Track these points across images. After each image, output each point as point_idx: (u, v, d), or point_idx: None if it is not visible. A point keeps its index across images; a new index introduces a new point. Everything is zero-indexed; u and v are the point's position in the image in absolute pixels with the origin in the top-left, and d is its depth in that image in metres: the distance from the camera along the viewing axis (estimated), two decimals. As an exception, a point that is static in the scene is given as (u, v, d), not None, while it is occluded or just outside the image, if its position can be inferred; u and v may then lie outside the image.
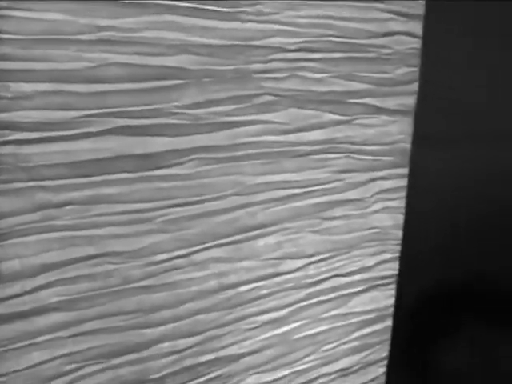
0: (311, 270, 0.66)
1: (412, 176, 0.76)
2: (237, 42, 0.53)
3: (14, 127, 0.45)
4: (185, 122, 0.52)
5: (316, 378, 0.71)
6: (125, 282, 0.52)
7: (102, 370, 0.53)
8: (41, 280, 0.49)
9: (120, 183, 0.50)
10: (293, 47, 0.58)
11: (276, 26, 0.56)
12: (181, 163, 0.53)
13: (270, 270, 0.62)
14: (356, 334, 0.74)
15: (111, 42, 0.48)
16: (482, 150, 0.85)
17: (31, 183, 0.47)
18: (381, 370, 0.79)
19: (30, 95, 0.45)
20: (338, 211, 0.67)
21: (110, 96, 0.48)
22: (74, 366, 0.52)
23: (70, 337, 0.51)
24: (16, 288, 0.48)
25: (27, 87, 0.45)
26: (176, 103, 0.51)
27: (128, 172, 0.50)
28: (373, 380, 0.78)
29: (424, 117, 0.77)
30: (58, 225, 0.48)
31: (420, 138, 0.75)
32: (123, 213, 0.51)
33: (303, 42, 0.58)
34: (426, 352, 1.12)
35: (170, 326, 0.56)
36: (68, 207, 0.48)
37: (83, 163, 0.48)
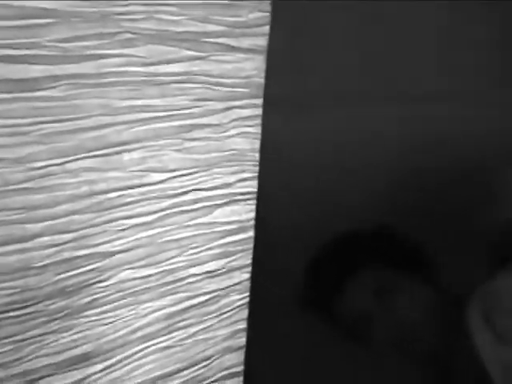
0: (174, 183, 0.76)
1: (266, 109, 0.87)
2: (99, -11, 0.64)
3: None
4: (56, 53, 0.63)
5: (185, 278, 0.82)
6: (8, 183, 0.63)
7: (-8, 257, 0.64)
8: None
9: (2, 102, 0.61)
10: (150, -7, 0.68)
11: (135, -24, 0.66)
12: (53, 87, 0.63)
13: (136, 181, 0.73)
14: (220, 242, 0.84)
15: (-7, -14, 0.58)
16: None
17: None
18: (245, 275, 0.88)
19: None
20: (198, 133, 0.77)
21: (-8, 31, 0.59)
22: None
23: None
24: None
25: None
26: (48, 38, 0.62)
27: (9, 93, 0.61)
28: (238, 283, 0.88)
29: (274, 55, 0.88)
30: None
31: (271, 72, 0.87)
32: (4, 126, 0.61)
33: (160, -11, 0.69)
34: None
35: (49, 222, 0.67)
36: (-42, 120, 0.59)
37: (-30, 85, 0.59)
